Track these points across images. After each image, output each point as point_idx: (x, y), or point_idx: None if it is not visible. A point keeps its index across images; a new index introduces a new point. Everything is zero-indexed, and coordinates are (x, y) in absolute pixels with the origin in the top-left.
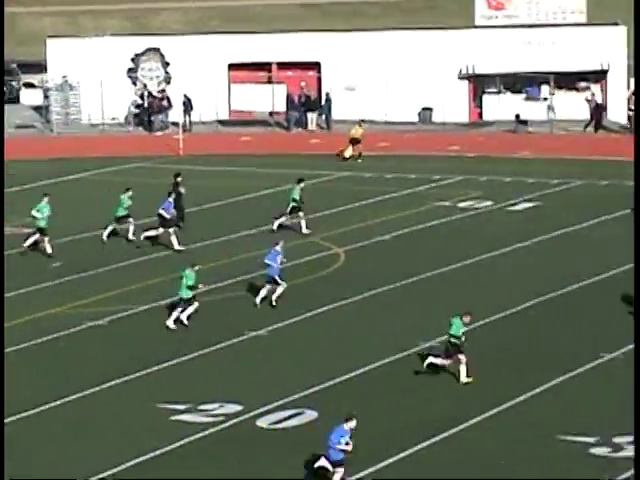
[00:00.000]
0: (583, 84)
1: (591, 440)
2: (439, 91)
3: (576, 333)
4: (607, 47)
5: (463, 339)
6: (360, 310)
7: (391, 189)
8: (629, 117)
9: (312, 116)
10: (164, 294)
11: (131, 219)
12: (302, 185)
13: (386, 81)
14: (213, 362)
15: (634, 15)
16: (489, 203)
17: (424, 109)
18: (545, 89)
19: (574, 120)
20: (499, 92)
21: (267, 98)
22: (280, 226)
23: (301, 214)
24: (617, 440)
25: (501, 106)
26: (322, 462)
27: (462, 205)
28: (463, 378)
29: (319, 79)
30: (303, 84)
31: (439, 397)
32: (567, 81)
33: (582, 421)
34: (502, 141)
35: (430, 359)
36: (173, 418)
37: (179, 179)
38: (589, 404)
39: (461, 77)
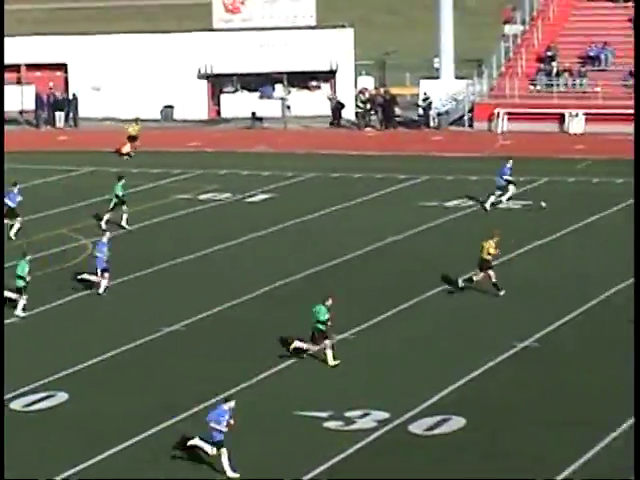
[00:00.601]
0: (314, 83)
1: (324, 415)
2: (180, 90)
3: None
4: (336, 48)
5: (329, 324)
6: (103, 299)
7: (137, 182)
8: (357, 114)
9: (60, 114)
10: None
11: None
12: (123, 182)
13: (130, 81)
14: None
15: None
16: (228, 195)
17: (166, 107)
18: (279, 88)
19: (308, 117)
20: (236, 91)
21: (16, 98)
22: (108, 222)
23: (125, 208)
24: (348, 414)
25: (238, 104)
26: (197, 442)
27: (202, 197)
28: (331, 362)
29: (66, 79)
30: (51, 84)
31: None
32: (300, 80)
33: (316, 397)
34: (239, 137)
35: (295, 343)
36: None
37: None
38: (321, 381)
39: (200, 77)
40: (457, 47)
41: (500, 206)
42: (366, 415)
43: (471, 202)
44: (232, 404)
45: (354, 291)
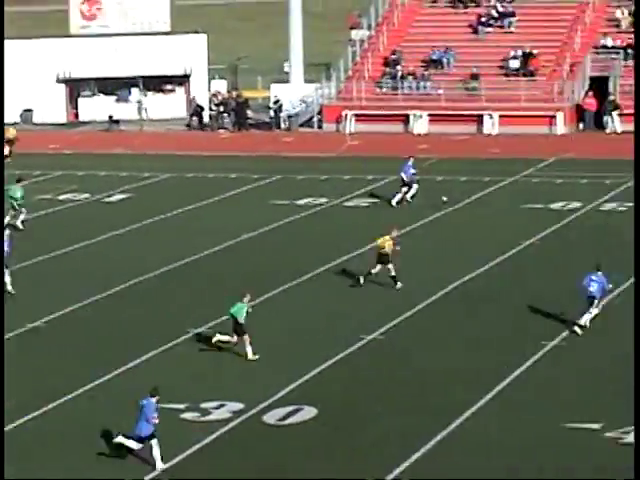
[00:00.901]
0: (169, 87)
1: (182, 406)
2: (39, 94)
3: (172, 309)
4: (190, 53)
5: (244, 323)
6: None
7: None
8: (210, 116)
9: None
10: None
11: None
12: (21, 184)
13: None
14: None
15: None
16: (87, 195)
17: (25, 110)
18: (135, 92)
19: (163, 119)
20: (93, 95)
21: None
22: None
23: (24, 210)
24: (204, 406)
25: (95, 107)
26: (123, 441)
27: (62, 197)
28: (250, 356)
29: None
30: None
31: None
32: (155, 84)
33: (173, 390)
34: (97, 139)
35: (217, 336)
36: None
37: None
38: (178, 374)
39: (59, 81)
40: (306, 52)
41: (348, 204)
42: (222, 406)
43: (322, 200)
44: (157, 398)
45: (209, 288)
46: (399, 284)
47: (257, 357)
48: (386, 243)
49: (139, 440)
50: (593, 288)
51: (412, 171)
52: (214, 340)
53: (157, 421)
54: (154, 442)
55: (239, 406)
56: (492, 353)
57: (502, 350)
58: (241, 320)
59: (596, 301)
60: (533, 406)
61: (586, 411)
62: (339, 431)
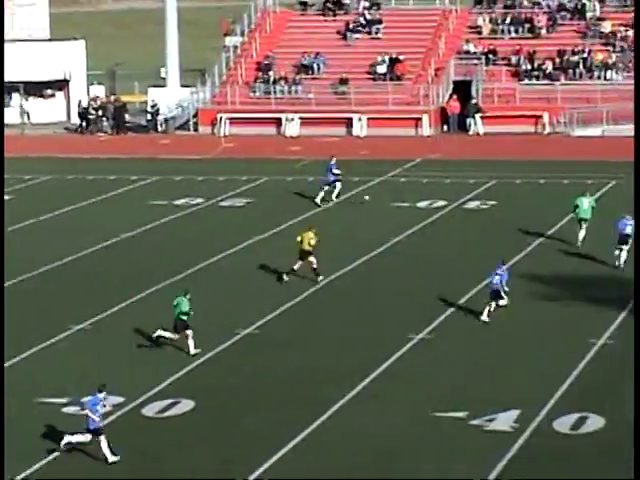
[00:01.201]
0: (49, 91)
1: (64, 400)
2: None
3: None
4: (69, 59)
5: (192, 314)
6: None
7: None
8: (89, 120)
9: None
10: None
11: None
12: None
13: None
14: None
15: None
16: None
17: None
18: (16, 97)
19: (44, 123)
20: None
21: None
22: None
23: None
24: (85, 399)
25: None
26: (71, 438)
27: None
28: (192, 350)
29: None
30: None
31: None
32: (36, 89)
33: (56, 384)
34: None
35: (159, 332)
36: None
37: None
38: (61, 372)
39: None
40: (182, 58)
41: (223, 204)
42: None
43: (198, 200)
44: (104, 393)
45: (88, 287)
46: (320, 277)
47: (198, 351)
48: (308, 239)
49: (93, 432)
50: (496, 281)
51: (336, 171)
52: (155, 335)
53: (99, 416)
54: (102, 437)
55: (119, 399)
56: (361, 348)
57: (370, 345)
58: (184, 312)
59: (502, 293)
60: (400, 398)
61: (451, 401)
62: (216, 423)
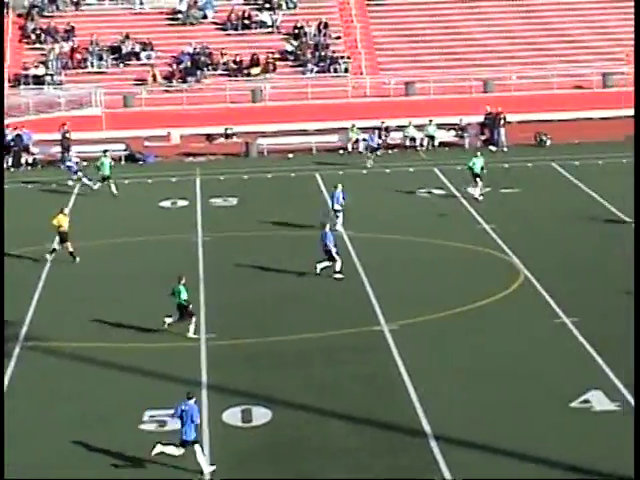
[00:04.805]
0: None
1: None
2: None
3: None
4: None
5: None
6: None
7: None
8: None
9: None
10: None
11: None
12: None
13: None
14: None
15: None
16: None
17: None
18: None
19: None
20: None
21: None
22: None
23: None
24: None
25: None
26: (163, 449)
27: None
28: (191, 334)
29: None
30: None
31: None
32: None
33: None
34: None
35: (166, 319)
36: None
37: None
38: None
39: None
40: None
41: None
42: None
43: None
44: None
45: None
46: (77, 259)
47: (197, 336)
48: (62, 221)
49: (182, 444)
50: (329, 242)
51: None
52: (165, 323)
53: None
54: (197, 447)
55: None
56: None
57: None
58: (183, 299)
59: (334, 254)
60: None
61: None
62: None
